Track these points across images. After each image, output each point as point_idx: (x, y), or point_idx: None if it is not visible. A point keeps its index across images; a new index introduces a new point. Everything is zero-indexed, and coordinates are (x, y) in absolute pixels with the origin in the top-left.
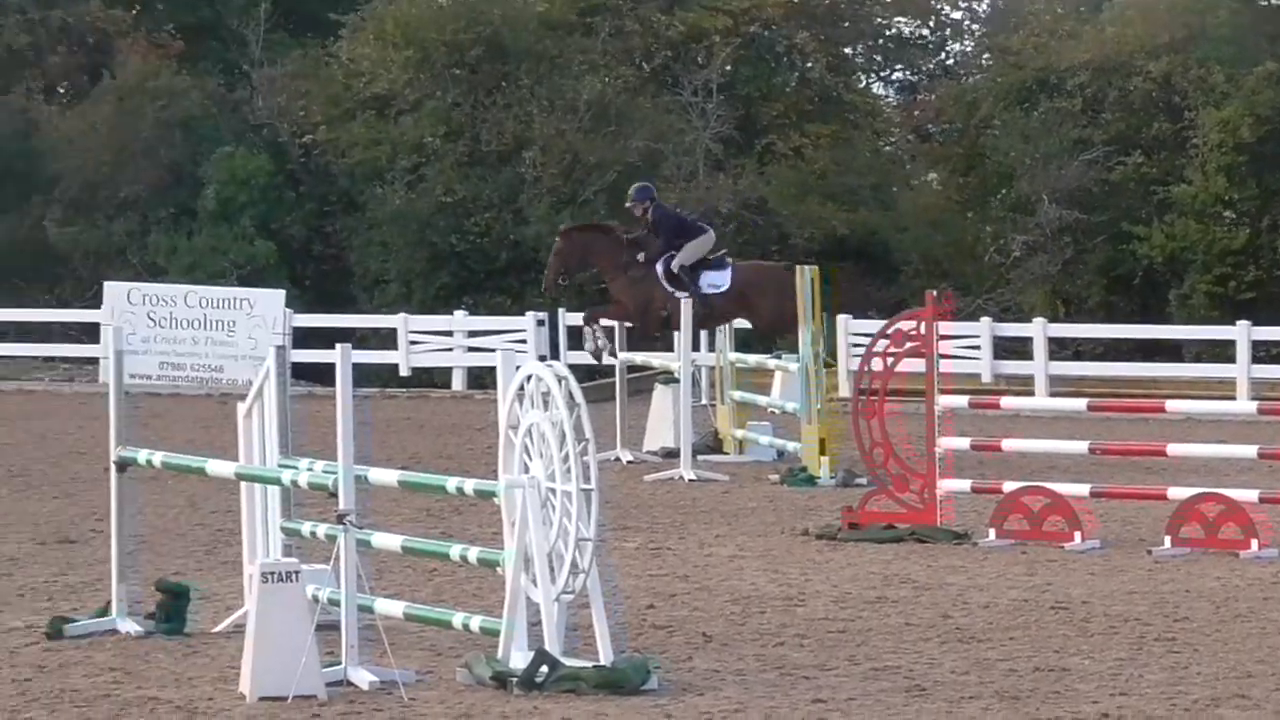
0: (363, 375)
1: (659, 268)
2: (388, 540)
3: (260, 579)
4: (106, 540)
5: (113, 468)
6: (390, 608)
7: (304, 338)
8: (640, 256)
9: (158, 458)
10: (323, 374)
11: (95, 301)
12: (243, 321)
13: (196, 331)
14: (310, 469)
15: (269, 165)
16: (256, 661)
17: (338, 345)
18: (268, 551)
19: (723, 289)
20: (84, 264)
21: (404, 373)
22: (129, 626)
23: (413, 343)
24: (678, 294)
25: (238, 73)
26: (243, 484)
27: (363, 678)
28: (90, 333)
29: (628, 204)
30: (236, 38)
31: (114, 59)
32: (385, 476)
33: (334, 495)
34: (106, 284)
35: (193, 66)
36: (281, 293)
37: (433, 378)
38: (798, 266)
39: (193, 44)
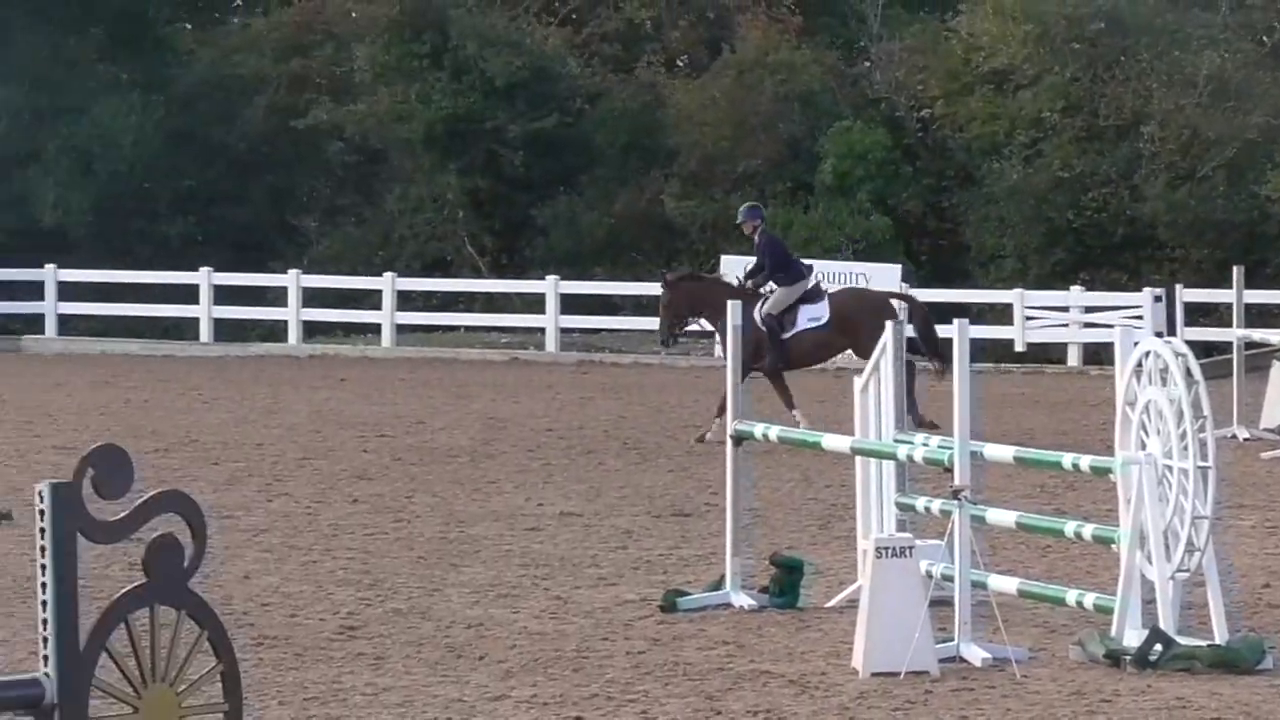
0: (978, 350)
1: (756, 314)
2: (1002, 516)
3: (874, 554)
4: (721, 514)
5: (729, 441)
6: (1003, 584)
7: None
8: (748, 283)
9: (773, 432)
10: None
11: None
12: None
13: None
14: (925, 444)
15: (886, 139)
16: (869, 636)
17: (955, 320)
18: (882, 526)
19: (822, 320)
20: (700, 238)
21: (1019, 348)
22: (742, 600)
23: (1028, 318)
24: (774, 337)
25: (856, 47)
26: (858, 459)
27: (975, 654)
28: None
29: (738, 220)
30: (855, 12)
31: (734, 33)
32: (1000, 452)
33: (949, 470)
34: (724, 258)
35: (811, 40)
36: (897, 268)
37: (1048, 353)
38: None
39: (811, 18)
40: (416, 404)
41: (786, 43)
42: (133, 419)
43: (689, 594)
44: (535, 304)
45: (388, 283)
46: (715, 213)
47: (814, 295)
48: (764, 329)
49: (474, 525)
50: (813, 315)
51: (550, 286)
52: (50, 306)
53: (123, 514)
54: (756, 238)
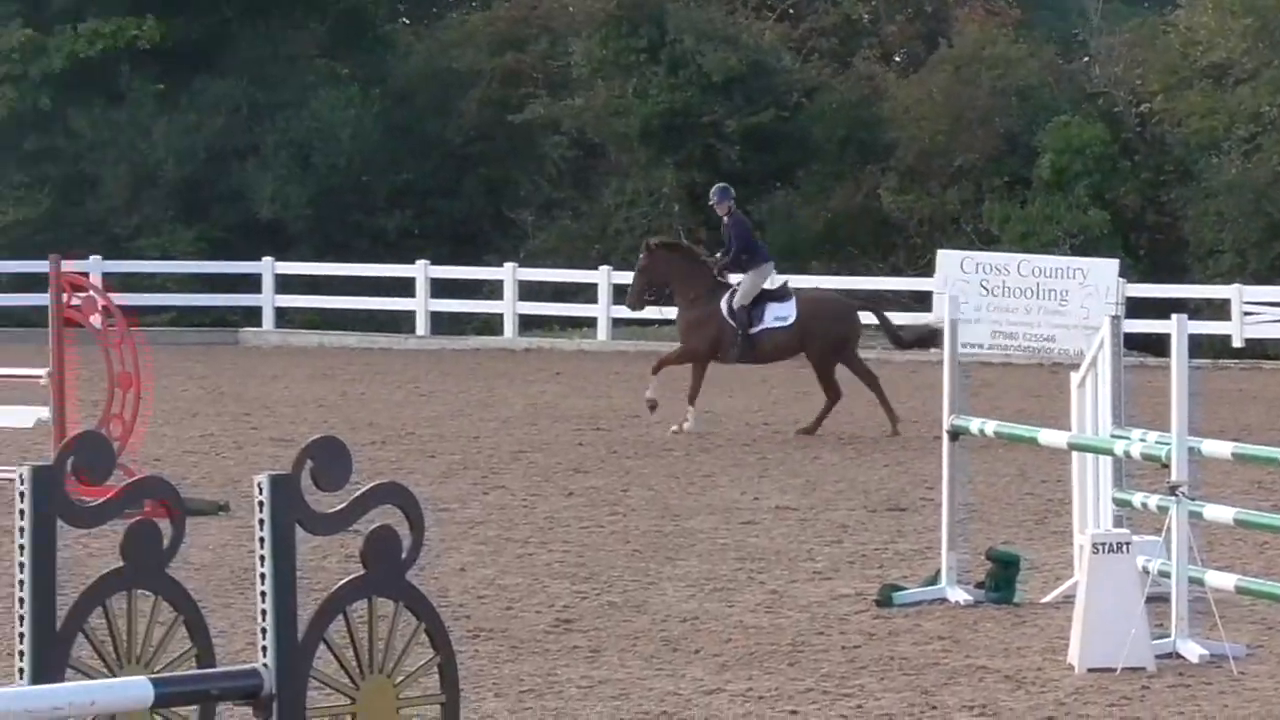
0: (1195, 346)
1: (723, 304)
2: (1219, 512)
3: (1091, 549)
4: (936, 508)
5: (945, 436)
6: (1221, 580)
7: (1136, 308)
8: (716, 259)
9: (990, 427)
10: (1155, 344)
11: (927, 270)
12: (1075, 291)
13: (1029, 301)
14: (1143, 440)
15: (1104, 134)
16: (1085, 632)
17: (1173, 315)
18: (1098, 522)
19: (789, 321)
20: (917, 232)
21: (1237, 344)
22: (958, 595)
23: (1246, 314)
24: (744, 329)
25: (1074, 41)
26: (1074, 454)
27: (1192, 650)
28: (922, 301)
29: (711, 201)
30: (1074, 6)
31: (951, 27)
32: (1218, 448)
33: (1166, 466)
34: (940, 252)
35: (1028, 34)
36: (1115, 262)
37: (1266, 348)
38: None
39: (1029, 11)
40: (631, 397)
41: (1004, 36)
42: (349, 411)
43: (904, 588)
44: None
45: (603, 276)
46: (932, 207)
47: (783, 294)
48: (732, 322)
49: (689, 519)
50: (779, 314)
51: None
52: (268, 299)
53: (341, 506)
54: (726, 218)
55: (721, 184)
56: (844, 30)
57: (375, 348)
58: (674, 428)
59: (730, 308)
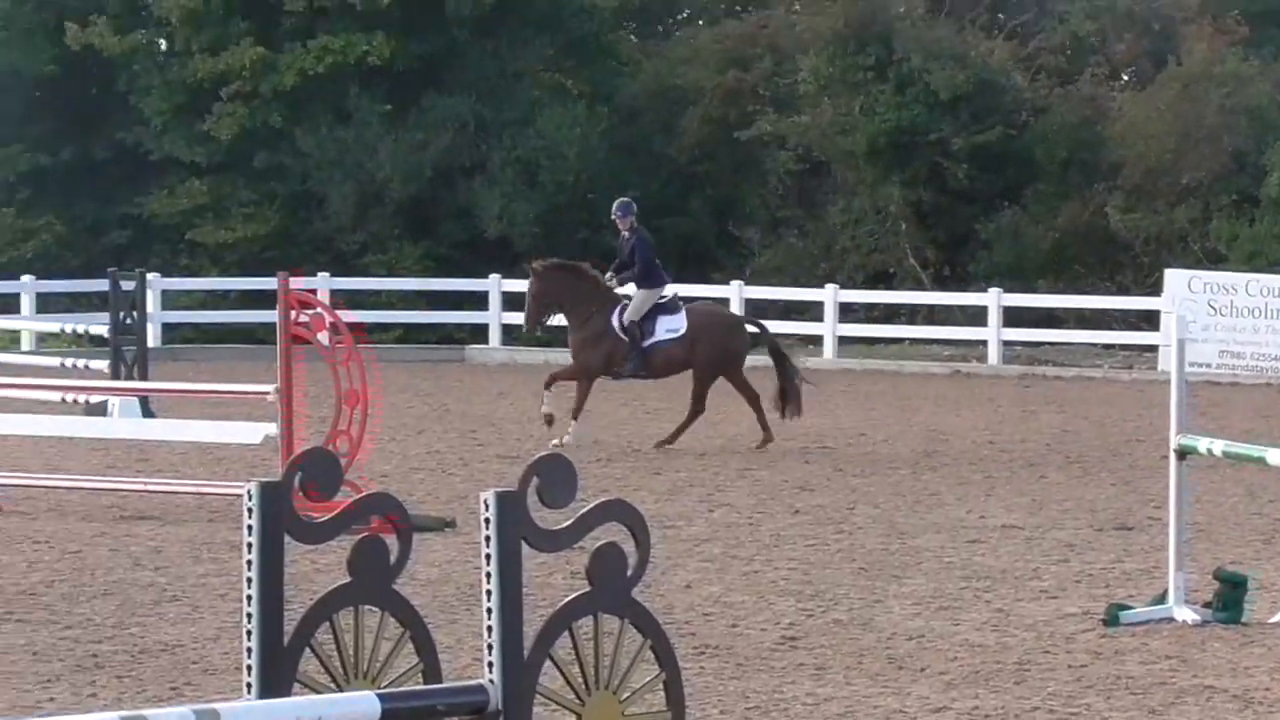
0: None
1: (614, 320)
2: None
3: None
4: (1164, 528)
5: (1172, 455)
6: None
7: None
8: (614, 280)
9: (1217, 446)
10: None
11: (1155, 289)
12: None
13: (1257, 320)
14: None
15: None
16: None
17: None
18: None
19: (680, 333)
20: (1144, 251)
21: None
22: (1186, 615)
23: None
24: (635, 343)
25: None
26: None
27: None
28: (1149, 320)
29: (613, 215)
30: None
31: (1180, 45)
32: None
33: None
34: (1167, 271)
35: (1258, 52)
36: None
37: None
38: None
39: (1259, 29)
40: (858, 415)
41: (1234, 54)
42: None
43: (1131, 608)
44: (977, 317)
45: (830, 295)
46: (1159, 226)
47: (672, 307)
48: (624, 336)
49: (915, 537)
50: (671, 327)
51: (993, 299)
52: (494, 316)
53: (566, 523)
54: (626, 233)
55: (624, 199)
56: (1072, 48)
57: None
58: (555, 441)
59: (621, 323)
